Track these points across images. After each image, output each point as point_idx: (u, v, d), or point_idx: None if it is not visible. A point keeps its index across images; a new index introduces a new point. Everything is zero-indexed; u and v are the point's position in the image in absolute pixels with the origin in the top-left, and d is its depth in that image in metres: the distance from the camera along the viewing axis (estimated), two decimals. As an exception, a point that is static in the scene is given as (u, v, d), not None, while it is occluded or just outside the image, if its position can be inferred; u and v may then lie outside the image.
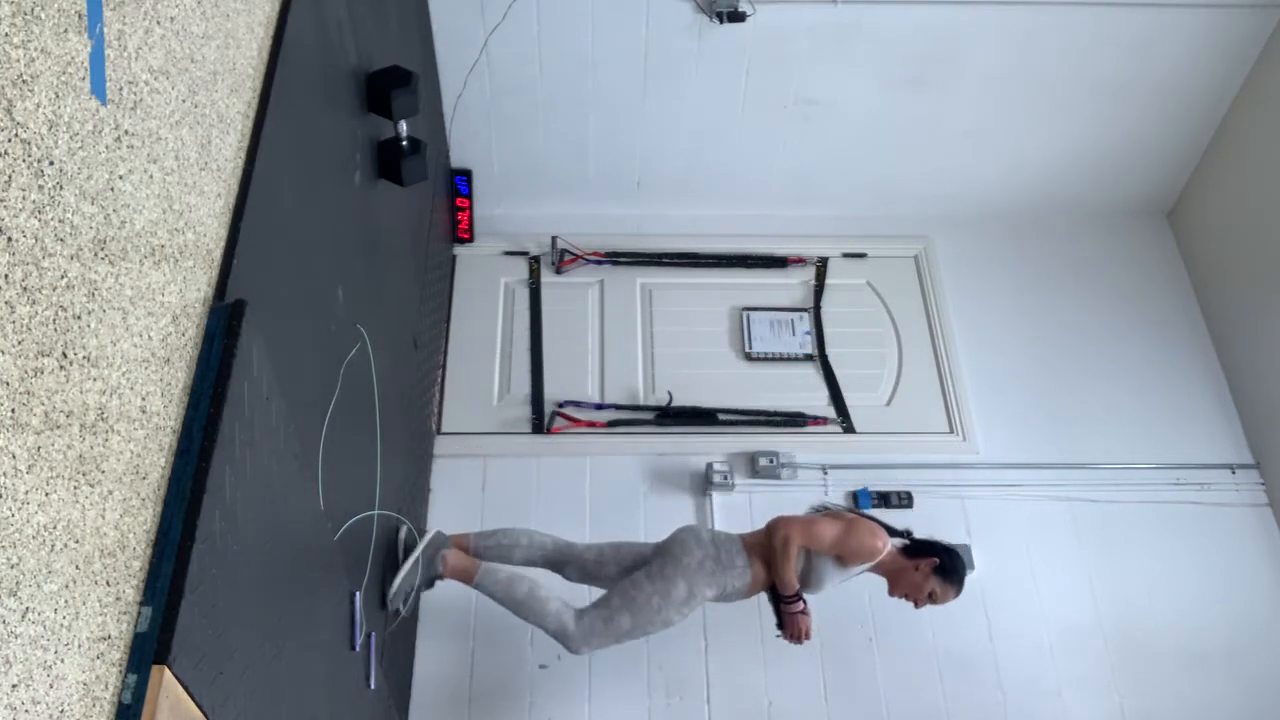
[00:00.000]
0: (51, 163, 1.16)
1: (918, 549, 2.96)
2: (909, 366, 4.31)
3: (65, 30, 1.18)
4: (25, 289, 1.11)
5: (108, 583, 1.29)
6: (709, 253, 4.54)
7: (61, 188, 1.19)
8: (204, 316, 1.63)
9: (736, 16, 3.85)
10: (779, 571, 2.91)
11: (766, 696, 3.57)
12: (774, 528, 2.95)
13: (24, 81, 1.10)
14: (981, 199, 4.66)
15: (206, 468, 1.48)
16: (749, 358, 4.30)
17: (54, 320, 1.17)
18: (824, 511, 3.08)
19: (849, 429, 4.12)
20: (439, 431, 4.07)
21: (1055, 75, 4.15)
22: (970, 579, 3.77)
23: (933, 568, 2.91)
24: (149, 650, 1.35)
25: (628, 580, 2.98)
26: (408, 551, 2.99)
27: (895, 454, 4.04)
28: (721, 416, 4.10)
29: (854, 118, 4.29)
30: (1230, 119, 4.30)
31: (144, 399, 1.40)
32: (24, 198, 1.10)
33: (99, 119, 1.28)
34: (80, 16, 1.21)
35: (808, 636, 2.96)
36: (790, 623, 2.96)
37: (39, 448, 1.13)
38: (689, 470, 3.96)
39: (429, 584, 3.10)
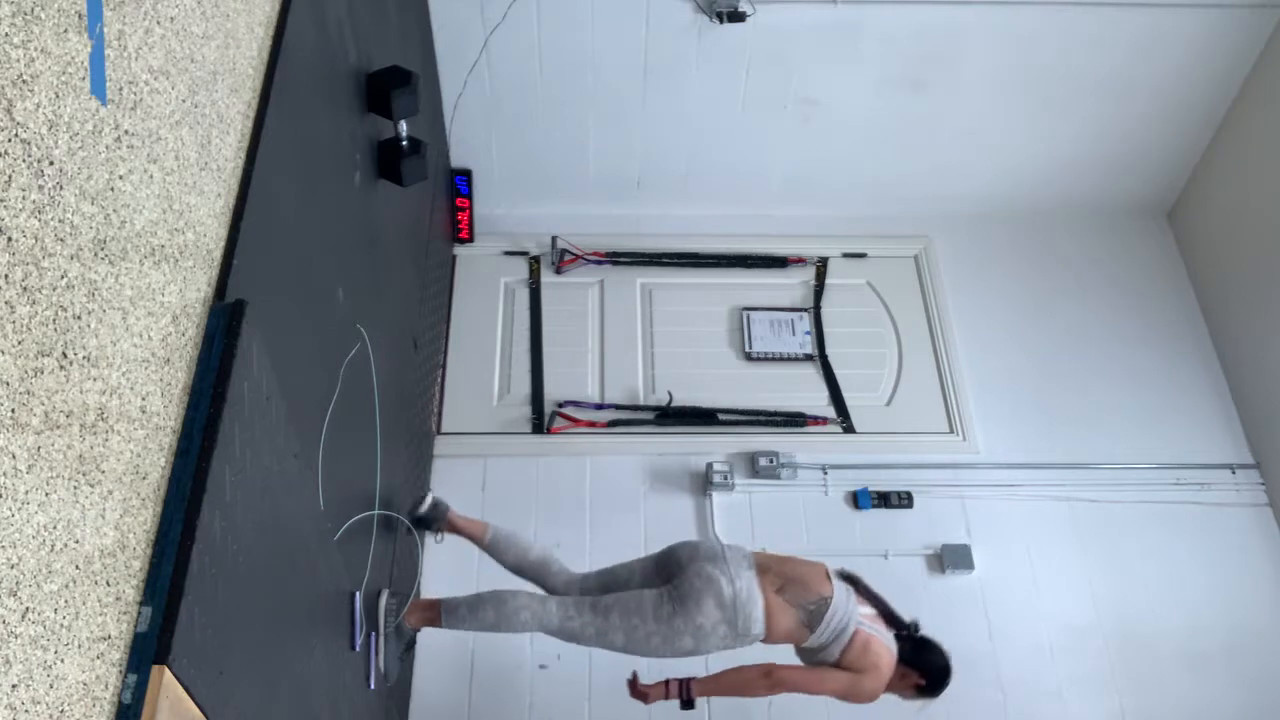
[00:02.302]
0: (51, 163, 1.16)
1: (914, 656, 2.78)
2: (909, 366, 4.31)
3: (65, 30, 1.18)
4: (25, 289, 1.11)
5: (108, 583, 1.29)
6: (709, 253, 4.54)
7: (61, 188, 1.19)
8: (204, 316, 1.63)
9: (736, 16, 3.85)
10: (740, 688, 2.75)
11: (767, 697, 3.57)
12: (770, 671, 2.70)
13: (24, 81, 1.10)
14: (981, 199, 4.66)
15: (206, 468, 1.49)
16: (749, 358, 4.30)
17: (54, 320, 1.17)
18: (847, 580, 2.81)
19: (849, 429, 4.12)
20: (439, 431, 4.07)
21: (1055, 75, 4.14)
22: (970, 579, 3.79)
23: (916, 687, 2.77)
24: (149, 650, 1.35)
25: (634, 605, 2.73)
26: (387, 618, 2.88)
27: (895, 454, 4.04)
28: (721, 416, 4.10)
29: (854, 118, 4.29)
30: (1230, 119, 4.30)
31: (144, 399, 1.40)
32: (24, 198, 1.10)
33: (99, 119, 1.28)
34: (80, 16, 1.21)
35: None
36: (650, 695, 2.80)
37: (39, 448, 1.13)
38: (689, 470, 3.96)
39: (410, 644, 3.07)
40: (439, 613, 2.90)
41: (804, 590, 2.70)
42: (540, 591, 2.96)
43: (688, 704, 2.75)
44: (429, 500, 3.20)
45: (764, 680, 2.69)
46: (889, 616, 2.79)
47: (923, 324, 4.43)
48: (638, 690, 2.80)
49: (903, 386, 4.26)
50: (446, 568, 3.74)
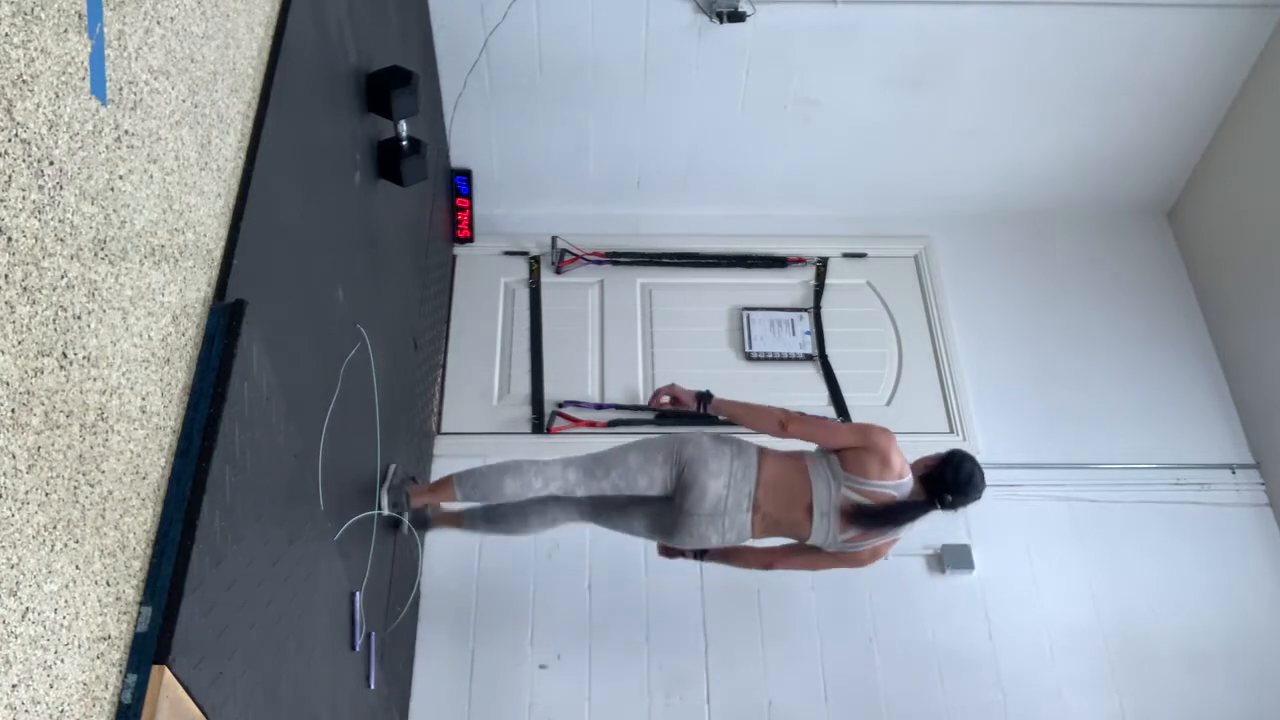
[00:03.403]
0: (51, 163, 1.16)
1: (931, 492, 2.79)
2: (909, 366, 4.31)
3: (65, 30, 1.18)
4: (25, 289, 1.11)
5: (108, 583, 1.29)
6: (709, 253, 4.54)
7: (61, 188, 1.19)
8: (204, 316, 1.63)
9: (736, 16, 3.85)
10: (743, 558, 2.93)
11: (766, 696, 3.57)
12: (769, 559, 2.92)
13: (24, 81, 1.10)
14: (981, 199, 4.66)
15: (206, 468, 1.48)
16: (749, 358, 4.30)
17: (54, 320, 1.17)
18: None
19: (849, 429, 4.11)
20: (439, 431, 4.07)
21: (1055, 75, 4.14)
22: (970, 579, 3.79)
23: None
24: (149, 650, 1.35)
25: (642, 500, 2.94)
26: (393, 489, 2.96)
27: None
28: (722, 417, 4.09)
29: (854, 118, 4.29)
30: (1230, 118, 4.30)
31: (144, 399, 1.40)
32: (24, 198, 1.10)
33: (99, 119, 1.28)
34: (80, 16, 1.21)
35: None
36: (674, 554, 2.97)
37: (39, 448, 1.13)
38: (689, 470, 3.95)
39: (423, 522, 3.08)
40: (452, 486, 2.92)
41: (783, 529, 2.83)
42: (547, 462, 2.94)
43: (700, 554, 2.97)
44: (391, 475, 3.05)
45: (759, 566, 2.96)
46: (897, 517, 2.75)
47: (923, 324, 4.42)
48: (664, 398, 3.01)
49: (903, 386, 4.26)
50: (447, 577, 3.75)
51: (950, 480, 2.75)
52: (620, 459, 2.89)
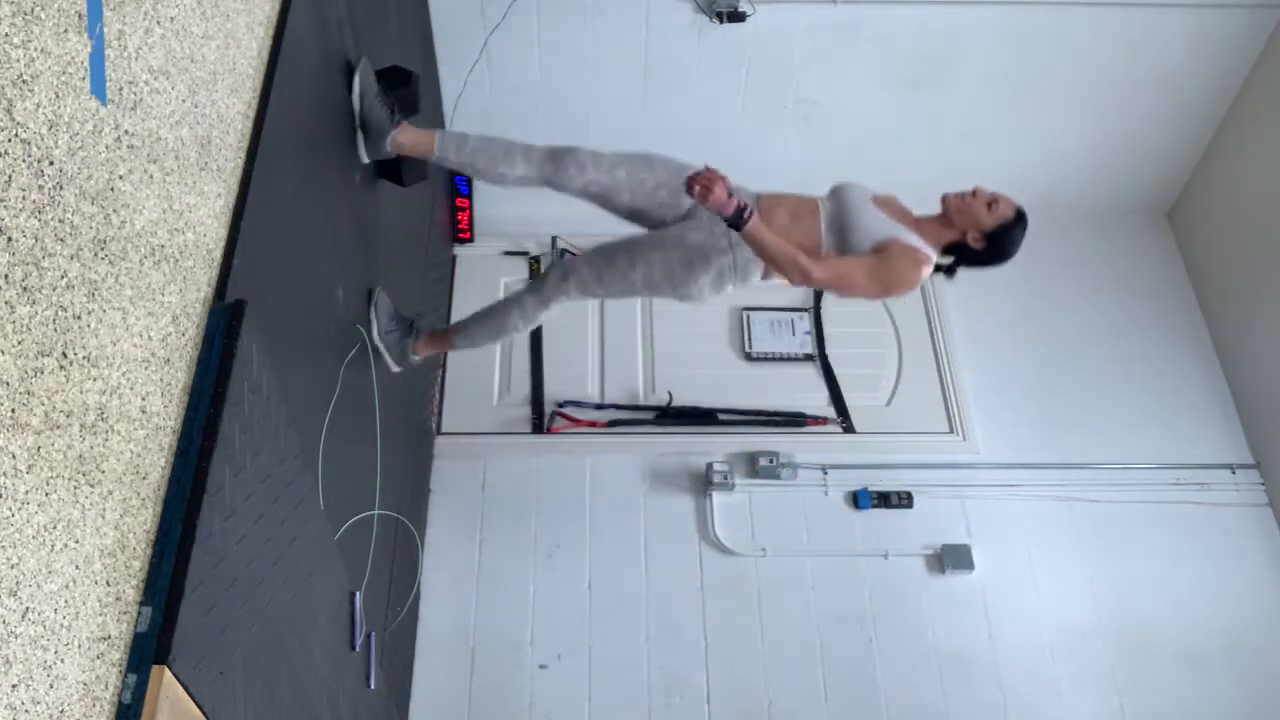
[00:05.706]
0: (51, 163, 1.16)
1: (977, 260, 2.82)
2: (909, 366, 4.31)
3: (65, 30, 1.18)
4: (25, 289, 1.11)
5: (108, 583, 1.29)
6: (709, 253, 4.53)
7: (61, 188, 1.19)
8: (204, 316, 1.63)
9: (736, 16, 3.85)
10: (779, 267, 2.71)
11: (766, 696, 3.57)
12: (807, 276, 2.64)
13: (24, 81, 1.10)
14: (981, 199, 4.65)
15: (206, 468, 1.48)
16: (749, 358, 4.30)
17: (54, 320, 1.17)
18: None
19: (849, 429, 4.11)
20: (439, 432, 4.07)
21: (1055, 75, 4.14)
22: (970, 579, 3.79)
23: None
24: (149, 650, 1.35)
25: (644, 264, 2.95)
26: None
27: (895, 454, 4.04)
28: (721, 416, 4.10)
29: (854, 117, 4.29)
30: (1230, 118, 4.30)
31: (144, 399, 1.40)
32: (24, 198, 1.10)
33: (99, 119, 1.28)
34: (80, 16, 1.21)
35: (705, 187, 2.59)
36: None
37: (39, 448, 1.13)
38: (689, 470, 3.96)
39: (388, 107, 2.66)
40: (433, 140, 2.67)
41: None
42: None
43: (734, 222, 2.63)
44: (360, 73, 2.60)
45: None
46: None
47: (923, 324, 4.42)
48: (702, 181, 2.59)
49: (903, 386, 4.26)
50: (446, 576, 3.75)
51: (995, 260, 2.82)
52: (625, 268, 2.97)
